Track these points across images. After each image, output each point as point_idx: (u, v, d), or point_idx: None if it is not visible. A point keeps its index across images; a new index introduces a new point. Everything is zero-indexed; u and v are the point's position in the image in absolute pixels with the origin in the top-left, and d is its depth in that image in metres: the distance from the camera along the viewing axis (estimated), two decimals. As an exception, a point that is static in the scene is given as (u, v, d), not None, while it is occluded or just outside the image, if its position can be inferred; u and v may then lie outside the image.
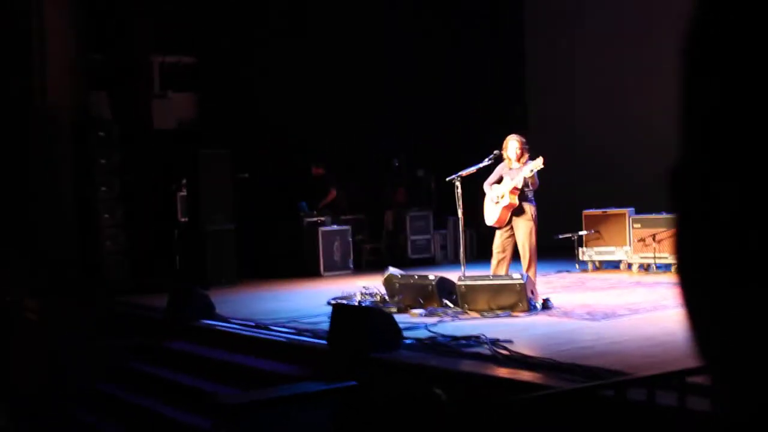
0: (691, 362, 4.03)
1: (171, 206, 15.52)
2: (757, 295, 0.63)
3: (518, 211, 10.24)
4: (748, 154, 0.61)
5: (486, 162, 10.54)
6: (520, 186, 10.13)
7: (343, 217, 15.92)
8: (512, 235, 10.34)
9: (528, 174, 10.07)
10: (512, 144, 10.34)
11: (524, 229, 10.22)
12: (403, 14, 17.65)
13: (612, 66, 16.68)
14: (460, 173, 10.50)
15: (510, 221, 10.30)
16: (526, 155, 10.32)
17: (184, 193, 15.17)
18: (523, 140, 10.41)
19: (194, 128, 17.17)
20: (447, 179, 10.66)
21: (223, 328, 10.00)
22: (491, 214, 10.34)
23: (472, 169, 10.58)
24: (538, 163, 10.07)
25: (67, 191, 14.66)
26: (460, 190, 10.42)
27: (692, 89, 0.69)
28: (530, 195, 10.28)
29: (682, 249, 0.71)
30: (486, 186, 10.42)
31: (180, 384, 9.15)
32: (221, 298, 11.46)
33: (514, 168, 10.27)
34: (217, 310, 10.60)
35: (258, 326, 9.69)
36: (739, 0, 0.65)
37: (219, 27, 16.86)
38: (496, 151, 10.47)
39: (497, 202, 10.25)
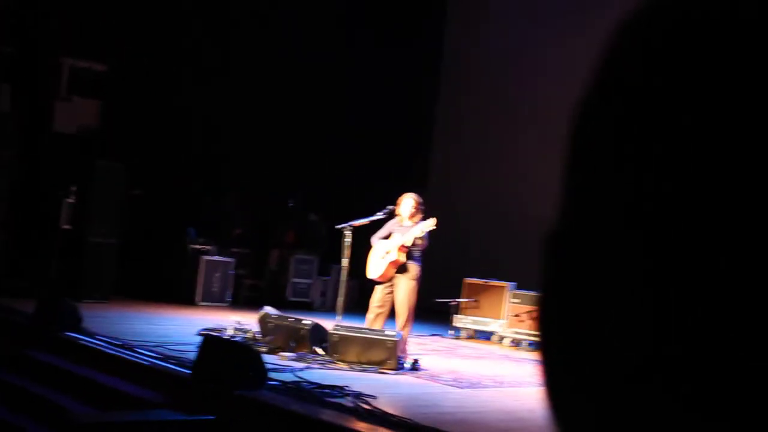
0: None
1: (56, 212, 15.19)
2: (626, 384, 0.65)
3: (402, 269, 10.28)
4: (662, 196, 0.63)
5: (379, 215, 10.61)
6: (408, 244, 10.19)
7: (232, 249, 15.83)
8: (392, 292, 10.37)
9: (419, 233, 10.15)
10: (407, 202, 10.41)
11: (405, 288, 10.26)
12: (314, 55, 17.72)
13: (514, 143, 17.00)
14: (351, 222, 10.56)
15: (392, 278, 10.33)
16: (419, 215, 10.39)
17: (71, 200, 14.87)
18: (420, 200, 10.50)
19: (94, 136, 16.89)
20: (336, 227, 10.70)
21: (88, 344, 9.79)
22: (376, 268, 10.36)
23: (365, 221, 10.65)
24: (430, 224, 10.17)
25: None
26: (349, 240, 10.46)
27: (578, 154, 0.71)
28: (417, 254, 10.34)
29: (546, 317, 0.72)
30: (374, 239, 10.45)
31: (36, 395, 8.90)
32: (92, 312, 11.22)
33: (405, 225, 10.34)
34: (86, 325, 10.39)
35: (124, 346, 9.53)
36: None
37: (136, 38, 16.68)
38: (390, 207, 10.55)
39: (383, 257, 10.28)
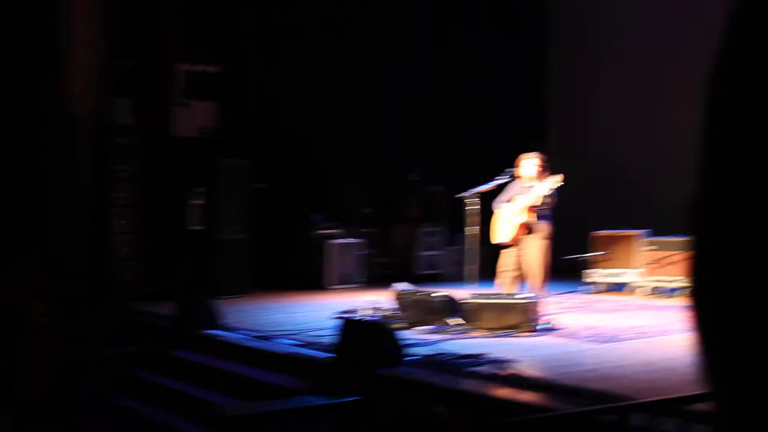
0: (694, 389, 4.02)
1: (185, 214, 15.58)
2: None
3: (532, 229, 10.19)
4: None
5: (501, 179, 10.53)
6: (537, 203, 10.09)
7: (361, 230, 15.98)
8: (522, 254, 10.28)
9: (546, 191, 10.04)
10: (532, 161, 10.29)
11: (537, 247, 10.16)
12: (425, 29, 17.67)
13: (633, 88, 16.64)
14: (474, 189, 10.51)
15: (520, 239, 10.25)
16: (546, 173, 10.28)
17: (199, 201, 15.22)
18: (544, 158, 10.39)
19: (215, 137, 17.23)
20: (461, 195, 10.66)
21: (229, 339, 10.03)
22: (504, 231, 10.29)
23: (488, 186, 10.59)
24: (557, 180, 10.07)
25: (85, 196, 14.73)
26: (473, 207, 10.42)
27: (719, 117, 0.69)
28: (546, 213, 10.24)
29: (699, 277, 0.71)
30: (495, 204, 10.37)
31: (184, 393, 9.19)
32: (230, 307, 11.49)
33: (527, 186, 10.23)
34: (225, 320, 10.64)
35: (263, 337, 9.72)
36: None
37: (245, 37, 16.93)
38: (510, 169, 10.47)
39: (511, 220, 10.20)
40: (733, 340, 0.68)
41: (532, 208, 10.09)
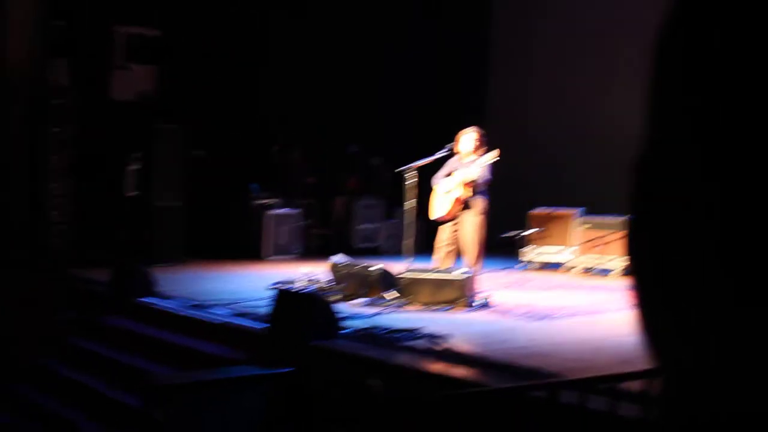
0: (625, 368, 4.08)
1: (122, 179, 15.40)
2: (721, 302, 0.65)
3: (468, 205, 10.23)
4: (733, 154, 0.63)
5: (440, 154, 10.55)
6: (474, 178, 10.12)
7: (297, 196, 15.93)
8: (459, 230, 10.32)
9: (482, 166, 10.09)
10: (470, 136, 10.32)
11: (473, 223, 10.20)
12: (374, 3, 17.58)
13: (571, 67, 16.76)
14: (414, 164, 10.51)
15: (458, 215, 10.28)
16: (483, 148, 10.32)
17: (134, 166, 15.05)
18: (481, 133, 10.42)
19: (153, 102, 17.03)
20: (400, 169, 10.67)
21: (164, 307, 9.96)
22: (441, 206, 10.32)
23: (426, 160, 10.60)
24: (493, 155, 10.12)
25: (19, 158, 14.48)
26: (412, 181, 10.43)
27: (667, 81, 0.70)
28: (482, 189, 10.27)
29: (640, 248, 0.72)
30: (435, 179, 10.40)
31: (117, 361, 9.12)
32: (165, 275, 11.39)
33: (466, 161, 10.27)
34: (160, 288, 10.56)
35: (199, 306, 9.67)
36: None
37: (186, 1, 16.72)
38: (449, 145, 10.49)
39: (447, 195, 10.23)
40: (670, 305, 0.69)
41: (468, 184, 10.13)
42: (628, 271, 0.75)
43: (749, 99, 0.63)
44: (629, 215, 0.73)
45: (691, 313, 0.67)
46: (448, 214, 10.27)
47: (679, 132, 0.68)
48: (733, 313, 0.64)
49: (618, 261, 12.44)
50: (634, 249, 0.72)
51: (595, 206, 13.30)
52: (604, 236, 12.50)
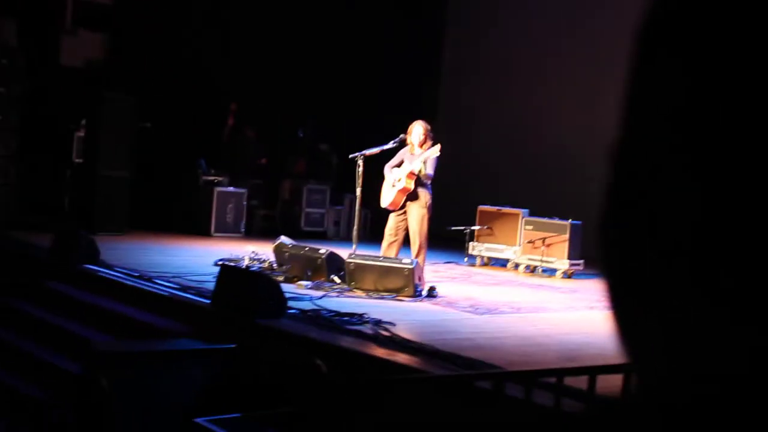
0: (568, 365, 4.14)
1: (67, 145, 15.20)
2: (693, 303, 0.65)
3: (413, 197, 10.29)
4: (717, 151, 0.64)
5: (391, 144, 10.59)
6: (416, 171, 10.20)
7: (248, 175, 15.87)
8: (405, 220, 10.41)
9: (424, 160, 10.17)
10: (417, 129, 10.41)
11: (416, 215, 10.28)
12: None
13: (524, 66, 16.91)
14: (363, 152, 10.54)
15: (404, 206, 10.35)
16: (429, 142, 10.39)
17: (82, 133, 14.87)
18: (428, 127, 10.48)
19: (101, 70, 16.83)
20: (350, 156, 10.68)
21: (107, 275, 9.86)
22: (387, 196, 10.39)
23: (376, 150, 10.63)
24: (435, 150, 10.19)
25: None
26: (361, 169, 10.45)
27: (646, 70, 0.71)
28: (428, 182, 10.34)
29: (613, 242, 0.72)
30: (386, 168, 10.46)
31: (57, 327, 9.00)
32: (108, 245, 11.28)
33: (416, 153, 10.35)
34: (103, 257, 10.45)
35: (142, 277, 9.59)
36: None
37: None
38: (402, 135, 10.54)
39: (394, 185, 10.31)
40: (640, 301, 0.70)
41: (411, 175, 10.20)
42: (599, 266, 0.75)
43: (736, 89, 0.64)
44: (603, 206, 0.74)
45: (661, 311, 0.68)
46: (392, 204, 10.35)
47: (658, 122, 0.69)
48: (705, 312, 0.65)
49: (561, 262, 12.58)
50: (605, 242, 0.73)
51: (535, 209, 13.47)
52: (545, 237, 12.63)
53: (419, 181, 10.25)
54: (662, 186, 0.66)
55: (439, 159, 10.37)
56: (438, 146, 10.23)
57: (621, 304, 0.71)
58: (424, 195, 10.29)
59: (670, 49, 0.67)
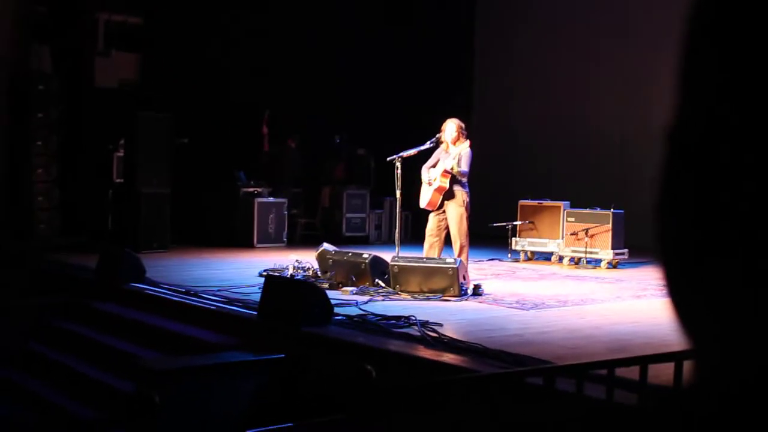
0: (617, 356, 4.10)
1: (107, 166, 15.35)
2: (752, 281, 0.64)
3: (450, 196, 10.27)
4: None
5: (427, 145, 10.58)
6: (450, 169, 10.17)
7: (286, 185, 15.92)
8: (445, 219, 10.39)
9: (456, 157, 10.15)
10: (450, 127, 10.39)
11: (455, 214, 10.26)
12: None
13: (558, 60, 16.82)
14: (401, 154, 10.52)
15: (442, 205, 10.33)
16: (463, 139, 10.36)
17: (121, 153, 15.01)
18: (462, 124, 10.45)
19: (136, 89, 16.98)
20: (388, 159, 10.68)
21: (153, 293, 9.93)
22: (424, 196, 10.40)
23: (413, 151, 10.62)
24: (465, 147, 10.18)
25: (2, 143, 14.40)
26: (399, 171, 10.44)
27: (699, 55, 0.70)
28: (463, 180, 10.31)
29: (669, 221, 0.71)
30: (423, 169, 10.46)
31: (106, 346, 9.08)
32: (152, 262, 11.37)
33: (450, 152, 10.32)
34: (148, 275, 10.52)
35: (188, 293, 9.64)
36: None
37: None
38: (438, 135, 10.52)
39: (430, 185, 10.30)
40: (699, 284, 0.69)
41: (446, 173, 10.18)
42: (655, 249, 0.73)
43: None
44: (658, 191, 0.72)
45: (721, 292, 0.66)
46: (429, 204, 10.34)
47: (713, 106, 0.67)
48: (760, 301, 0.64)
49: (605, 253, 12.50)
50: (661, 227, 0.71)
51: (575, 200, 13.39)
52: (587, 229, 12.54)
53: (454, 179, 10.22)
54: (719, 171, 0.65)
55: (473, 155, 10.34)
56: (467, 142, 10.21)
57: (679, 292, 0.70)
58: (461, 193, 10.26)
59: (712, 40, 0.67)
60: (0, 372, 9.53)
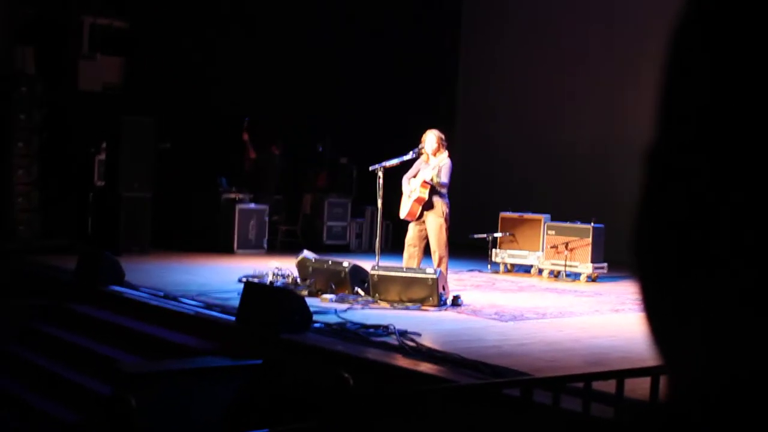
0: (595, 369, 4.13)
1: (89, 169, 15.31)
2: (730, 304, 0.65)
3: (429, 206, 10.27)
4: (747, 158, 0.64)
5: (409, 155, 10.58)
6: (429, 180, 10.20)
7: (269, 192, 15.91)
8: (424, 230, 10.40)
9: (436, 168, 10.18)
10: (430, 138, 10.40)
11: (434, 225, 10.27)
12: (341, 3, 17.57)
13: (543, 73, 16.88)
14: (383, 164, 10.53)
15: (422, 215, 10.34)
16: (443, 150, 10.38)
17: (102, 156, 14.98)
18: (441, 136, 10.46)
19: (120, 93, 16.95)
20: (370, 168, 10.69)
21: (132, 296, 9.92)
22: (404, 207, 10.41)
23: (395, 161, 10.63)
24: (444, 158, 10.22)
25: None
26: (381, 181, 10.45)
27: (679, 76, 0.71)
28: (443, 191, 10.33)
29: (645, 243, 0.72)
30: (404, 179, 10.47)
31: (84, 348, 9.05)
32: (132, 265, 11.35)
33: (430, 163, 10.35)
34: (127, 278, 10.50)
35: (167, 297, 9.63)
36: None
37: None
38: (420, 146, 10.54)
39: (410, 196, 10.32)
40: (674, 304, 0.70)
41: (424, 184, 10.20)
42: (633, 269, 0.75)
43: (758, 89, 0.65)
44: (637, 208, 0.74)
45: (702, 306, 0.67)
46: (409, 215, 10.35)
47: (688, 123, 0.69)
48: (741, 314, 0.65)
49: (584, 266, 12.55)
50: (639, 243, 0.73)
51: (556, 213, 13.44)
52: (567, 242, 12.59)
53: (434, 190, 10.24)
54: (697, 189, 0.66)
55: (453, 166, 10.37)
56: (446, 153, 10.26)
57: (656, 307, 0.71)
58: (441, 204, 10.27)
59: (702, 47, 0.68)
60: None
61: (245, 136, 16.32)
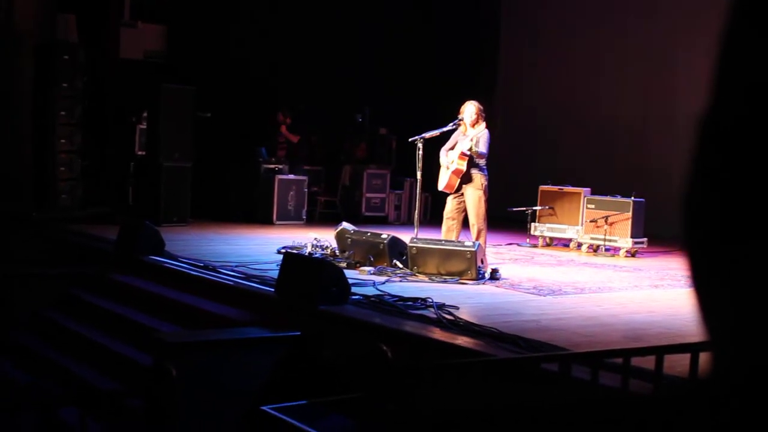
0: (633, 345, 4.11)
1: (130, 138, 15.40)
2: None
3: (467, 179, 10.25)
4: None
5: (449, 127, 10.55)
6: (467, 151, 10.16)
7: (303, 167, 15.90)
8: (462, 202, 10.38)
9: (473, 139, 10.14)
10: (469, 109, 10.36)
11: (473, 198, 10.26)
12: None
13: (584, 46, 16.74)
14: (423, 135, 10.50)
15: (460, 188, 10.32)
16: (482, 121, 10.34)
17: (143, 125, 15.05)
18: (480, 107, 10.41)
19: (161, 61, 17.00)
20: (410, 140, 10.66)
21: (172, 266, 9.97)
22: (442, 179, 10.40)
23: (435, 132, 10.59)
24: (482, 129, 10.18)
25: (26, 112, 14.46)
26: (421, 152, 10.42)
27: (738, 40, 0.70)
28: (481, 163, 10.29)
29: (698, 217, 0.71)
30: (442, 151, 10.45)
31: (123, 317, 9.14)
32: (172, 235, 11.43)
33: (468, 134, 10.32)
34: (167, 248, 10.57)
35: (207, 267, 9.68)
36: None
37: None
38: (459, 116, 10.51)
39: (448, 168, 10.30)
40: (725, 278, 0.68)
41: (462, 156, 10.16)
42: (680, 240, 0.73)
43: None
44: (688, 180, 0.72)
45: (750, 277, 0.66)
46: (447, 187, 10.35)
47: (747, 97, 0.67)
48: None
49: (624, 241, 12.46)
50: (689, 210, 0.71)
51: (596, 187, 13.34)
52: (607, 216, 12.50)
53: (472, 162, 10.20)
54: (750, 157, 0.65)
55: (491, 138, 10.32)
56: (484, 124, 10.22)
57: (703, 282, 0.70)
58: (480, 176, 10.24)
59: (754, 21, 0.67)
60: (18, 340, 9.62)
61: (281, 118, 16.20)
